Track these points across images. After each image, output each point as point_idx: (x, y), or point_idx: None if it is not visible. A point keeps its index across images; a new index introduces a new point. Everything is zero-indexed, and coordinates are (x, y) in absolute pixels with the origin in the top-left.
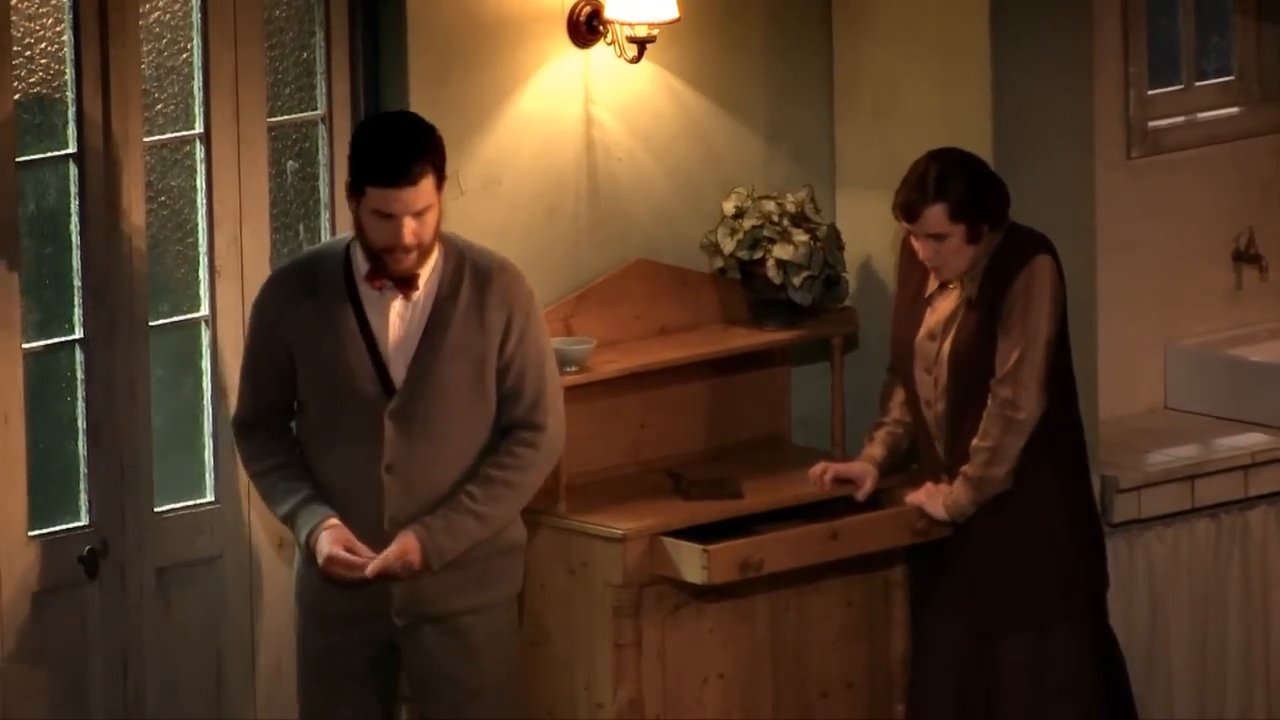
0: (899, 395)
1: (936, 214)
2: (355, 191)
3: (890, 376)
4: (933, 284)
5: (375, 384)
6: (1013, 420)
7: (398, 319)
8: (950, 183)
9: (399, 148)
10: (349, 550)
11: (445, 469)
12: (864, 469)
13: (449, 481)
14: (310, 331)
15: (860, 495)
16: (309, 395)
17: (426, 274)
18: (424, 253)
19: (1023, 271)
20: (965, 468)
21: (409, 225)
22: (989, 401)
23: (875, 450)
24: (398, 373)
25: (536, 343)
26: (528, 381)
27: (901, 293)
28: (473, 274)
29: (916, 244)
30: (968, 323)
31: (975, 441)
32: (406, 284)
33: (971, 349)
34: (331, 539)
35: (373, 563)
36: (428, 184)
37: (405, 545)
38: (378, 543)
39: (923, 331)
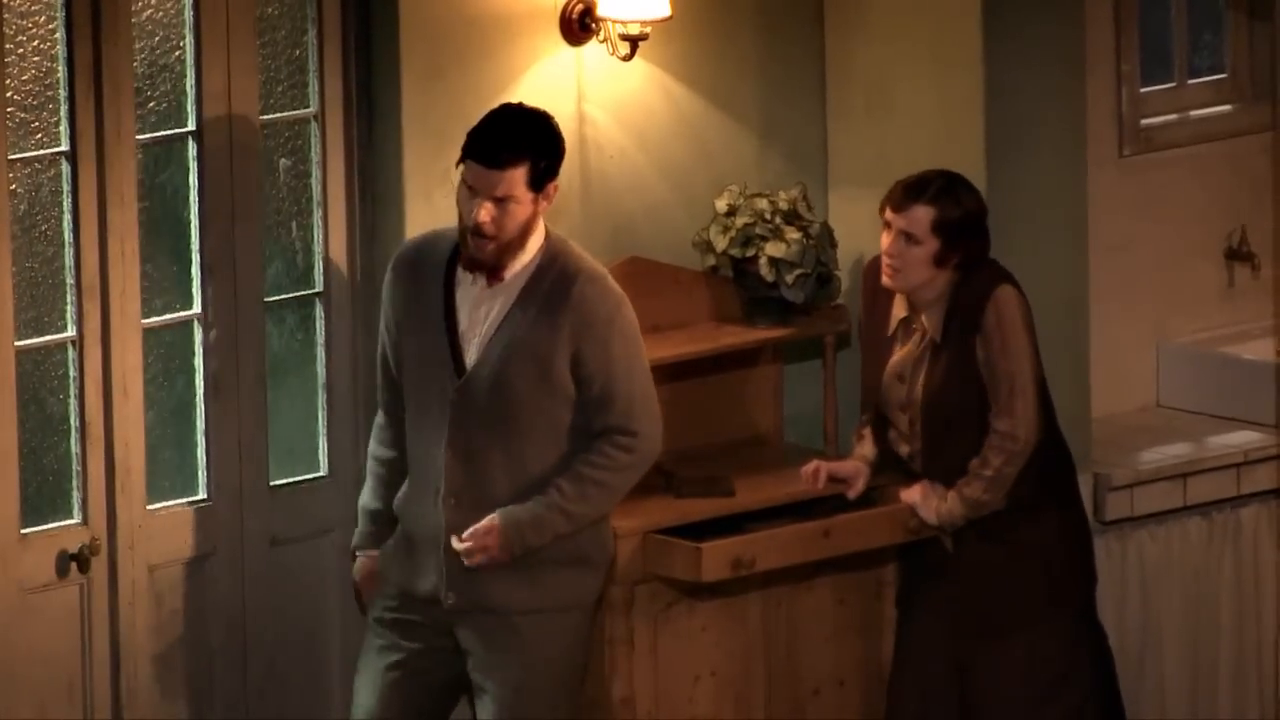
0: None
1: (922, 215)
2: (460, 162)
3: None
4: (894, 322)
5: (449, 366)
6: (1013, 451)
7: (478, 306)
8: (948, 200)
9: (503, 132)
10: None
11: (503, 458)
12: (856, 467)
13: (507, 472)
14: (406, 311)
15: (852, 494)
16: (402, 373)
17: (518, 268)
18: (502, 246)
19: (989, 306)
20: (963, 486)
21: (485, 207)
22: (989, 435)
23: (866, 448)
24: (471, 358)
25: (624, 351)
26: (616, 389)
27: (866, 325)
28: (557, 278)
29: (886, 237)
30: (937, 366)
31: (975, 466)
32: (494, 273)
33: (943, 393)
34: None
35: (456, 541)
36: (515, 175)
37: (487, 540)
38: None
39: (889, 372)
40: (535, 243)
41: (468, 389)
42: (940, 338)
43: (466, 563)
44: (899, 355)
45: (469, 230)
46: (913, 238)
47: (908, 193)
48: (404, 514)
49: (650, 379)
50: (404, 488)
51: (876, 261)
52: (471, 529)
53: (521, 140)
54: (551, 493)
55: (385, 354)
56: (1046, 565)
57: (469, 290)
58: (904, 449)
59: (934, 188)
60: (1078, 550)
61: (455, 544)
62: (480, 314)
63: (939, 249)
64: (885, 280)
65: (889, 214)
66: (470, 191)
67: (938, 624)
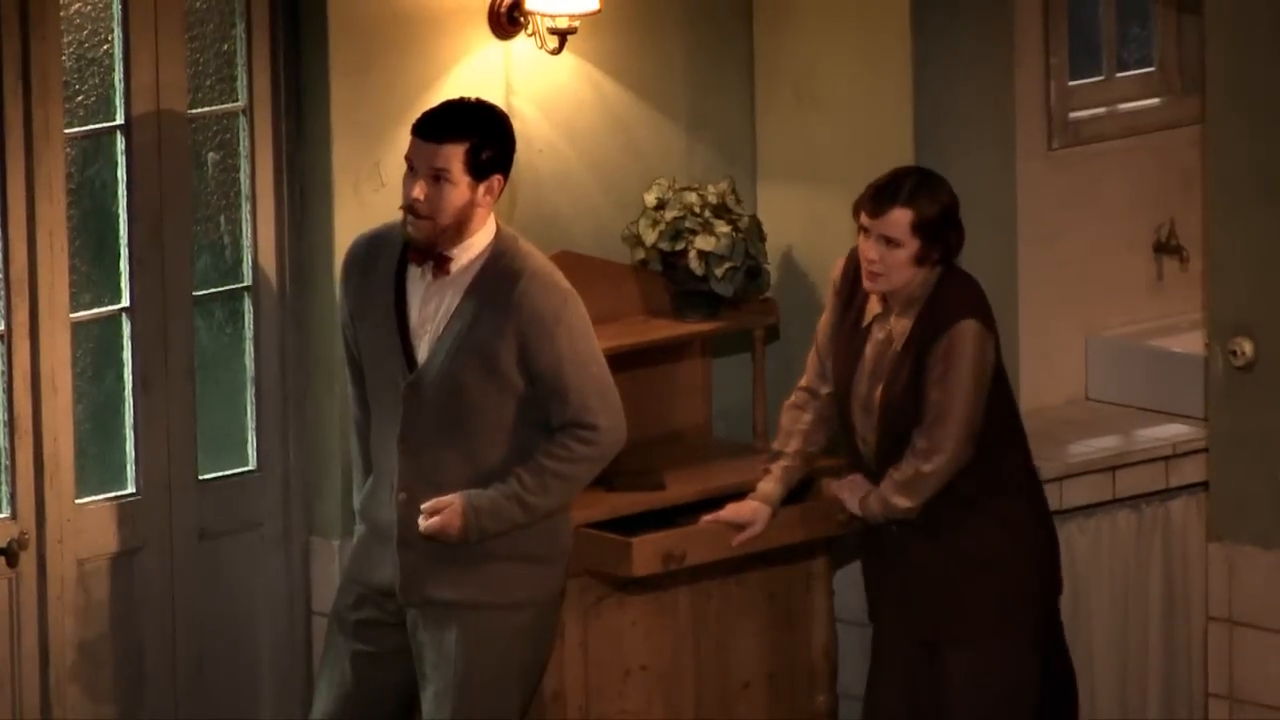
0: (807, 417)
1: (900, 218)
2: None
3: (804, 396)
4: (869, 315)
5: (400, 361)
6: (920, 471)
7: (428, 301)
8: (924, 197)
9: (447, 110)
10: None
11: (454, 454)
12: (755, 509)
13: (459, 467)
14: (359, 302)
15: (748, 535)
16: (363, 363)
17: (465, 262)
18: (438, 229)
19: (944, 336)
20: (882, 484)
21: (420, 184)
22: (908, 447)
23: (769, 487)
24: (422, 354)
25: (573, 347)
26: (569, 385)
27: (840, 322)
28: (501, 276)
29: (864, 245)
30: (900, 375)
31: (890, 469)
32: (439, 264)
33: (902, 400)
34: None
35: (423, 521)
36: (452, 152)
37: (449, 517)
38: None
39: (860, 369)
40: (483, 238)
41: (418, 385)
42: (906, 338)
43: (421, 526)
44: (869, 350)
45: (405, 209)
46: (893, 241)
47: (881, 196)
48: (364, 507)
49: (606, 371)
50: (368, 482)
51: (855, 256)
52: (434, 501)
53: (463, 120)
54: (511, 482)
55: (349, 349)
56: (998, 577)
57: (419, 284)
58: (864, 447)
59: (907, 188)
60: (1035, 565)
61: (423, 525)
62: (430, 309)
63: (919, 248)
64: (867, 284)
65: (865, 219)
66: (410, 171)
67: (904, 631)
